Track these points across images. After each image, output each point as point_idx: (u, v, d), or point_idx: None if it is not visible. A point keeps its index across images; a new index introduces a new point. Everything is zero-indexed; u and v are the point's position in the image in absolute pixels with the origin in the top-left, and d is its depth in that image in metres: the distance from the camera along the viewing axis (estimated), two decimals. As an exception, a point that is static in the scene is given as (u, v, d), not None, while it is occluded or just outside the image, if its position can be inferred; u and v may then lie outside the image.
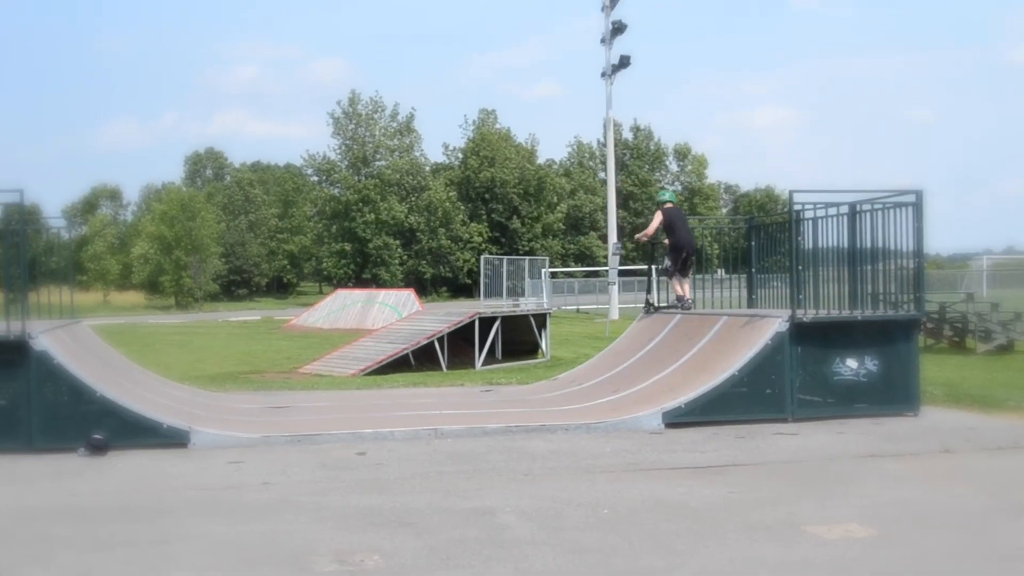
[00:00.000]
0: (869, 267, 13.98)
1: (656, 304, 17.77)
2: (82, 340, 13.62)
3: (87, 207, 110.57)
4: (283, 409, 14.61)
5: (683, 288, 16.97)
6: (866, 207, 13.69)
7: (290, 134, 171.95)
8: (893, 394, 13.35)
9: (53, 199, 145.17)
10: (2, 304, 12.11)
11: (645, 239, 18.43)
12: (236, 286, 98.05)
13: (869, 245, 13.78)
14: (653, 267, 18.79)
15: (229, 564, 6.80)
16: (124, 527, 7.92)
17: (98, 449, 10.99)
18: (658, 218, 17.37)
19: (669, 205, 17.47)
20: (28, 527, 7.97)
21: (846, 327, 13.27)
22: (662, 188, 18.31)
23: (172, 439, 11.38)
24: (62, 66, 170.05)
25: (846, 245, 13.94)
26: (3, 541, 7.55)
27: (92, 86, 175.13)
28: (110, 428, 11.21)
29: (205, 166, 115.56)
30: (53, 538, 7.56)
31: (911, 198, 13.29)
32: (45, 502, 8.88)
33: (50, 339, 11.48)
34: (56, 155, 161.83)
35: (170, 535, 7.61)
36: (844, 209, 13.86)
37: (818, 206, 13.96)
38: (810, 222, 14.03)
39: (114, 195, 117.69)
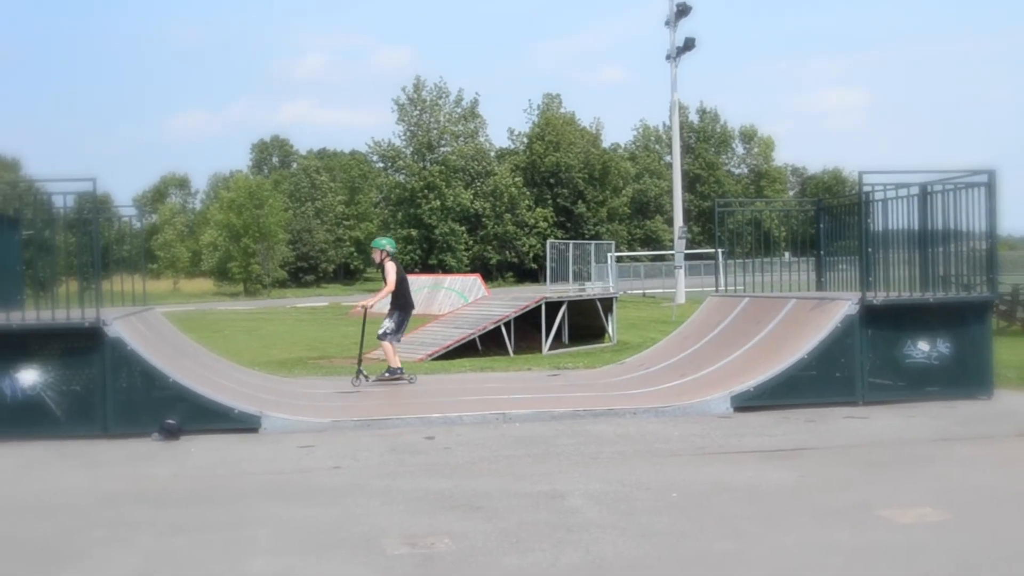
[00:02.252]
0: (940, 249, 13.80)
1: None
2: (154, 326, 13.80)
3: (157, 195, 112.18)
4: (351, 394, 14.71)
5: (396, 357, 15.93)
6: (937, 188, 13.51)
7: (356, 121, 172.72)
8: (966, 377, 13.17)
9: (124, 188, 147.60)
10: (77, 292, 12.31)
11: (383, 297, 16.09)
12: (303, 272, 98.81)
13: (940, 226, 13.60)
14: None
15: (303, 547, 6.87)
16: (200, 511, 8.05)
17: (171, 434, 11.16)
18: (393, 268, 15.78)
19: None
20: (108, 510, 8.11)
21: (917, 309, 13.11)
22: (379, 238, 16.10)
23: (243, 424, 11.53)
24: (133, 56, 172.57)
25: (916, 226, 13.77)
26: (85, 524, 7.69)
27: (162, 76, 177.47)
28: (182, 413, 11.37)
29: (271, 154, 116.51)
30: (132, 521, 7.69)
31: (983, 178, 13.09)
32: (123, 486, 9.03)
33: (123, 326, 11.66)
34: (127, 144, 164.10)
35: (245, 518, 7.72)
36: (914, 190, 13.69)
37: (888, 187, 13.83)
38: (880, 203, 13.89)
39: (183, 183, 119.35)
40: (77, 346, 11.37)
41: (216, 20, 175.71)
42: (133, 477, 9.40)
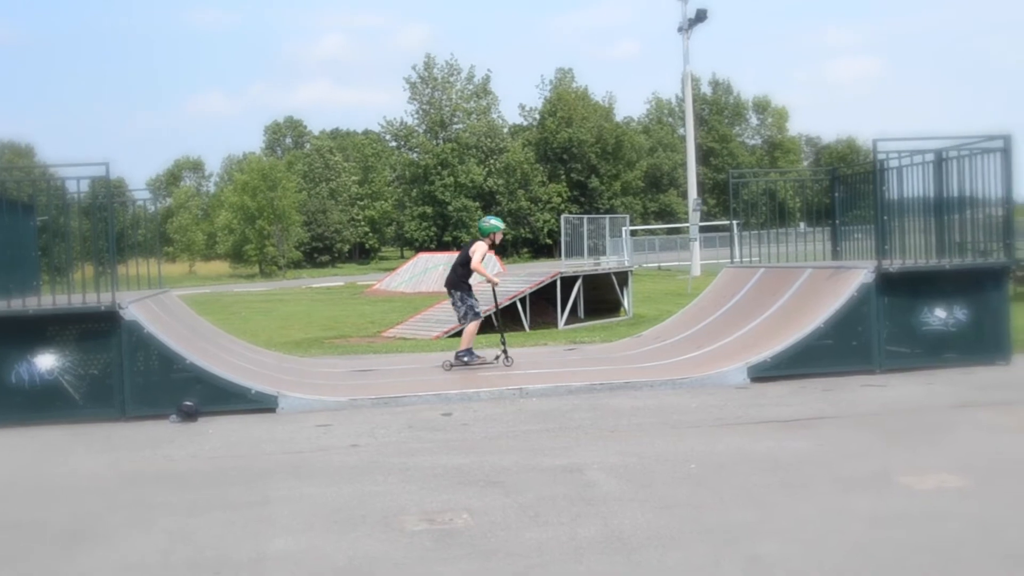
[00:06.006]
0: (956, 215, 13.73)
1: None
2: (170, 309, 13.83)
3: (171, 179, 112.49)
4: (368, 372, 14.73)
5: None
6: (952, 154, 13.44)
7: (370, 101, 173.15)
8: (983, 344, 13.13)
9: (138, 172, 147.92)
10: (92, 276, 12.33)
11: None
12: (318, 253, 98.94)
13: (956, 193, 13.53)
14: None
15: (323, 525, 6.89)
16: (220, 491, 8.07)
17: (189, 416, 11.19)
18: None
19: None
20: (128, 493, 8.15)
21: (934, 277, 13.05)
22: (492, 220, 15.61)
23: (260, 404, 11.55)
24: (148, 40, 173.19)
25: (932, 194, 13.70)
26: (105, 507, 7.73)
27: (177, 60, 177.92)
28: (200, 395, 11.41)
29: (284, 135, 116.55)
30: (153, 503, 7.73)
31: (999, 143, 13.02)
32: (142, 468, 9.05)
33: (139, 309, 11.69)
34: (141, 129, 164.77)
35: (264, 498, 7.73)
36: (929, 157, 13.62)
37: (903, 154, 13.73)
38: (895, 171, 13.80)
39: (197, 166, 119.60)
40: (94, 330, 11.40)
41: (232, 3, 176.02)
42: (152, 459, 9.43)
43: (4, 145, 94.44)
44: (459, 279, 14.77)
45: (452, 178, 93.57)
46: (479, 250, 14.73)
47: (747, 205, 18.81)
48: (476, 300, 14.78)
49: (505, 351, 14.64)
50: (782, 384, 12.08)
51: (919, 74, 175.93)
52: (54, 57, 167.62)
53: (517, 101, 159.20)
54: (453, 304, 14.92)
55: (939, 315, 13.01)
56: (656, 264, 61.20)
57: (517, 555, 6.10)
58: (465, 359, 14.38)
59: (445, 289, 15.11)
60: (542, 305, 29.53)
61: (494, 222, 15.37)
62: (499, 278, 34.72)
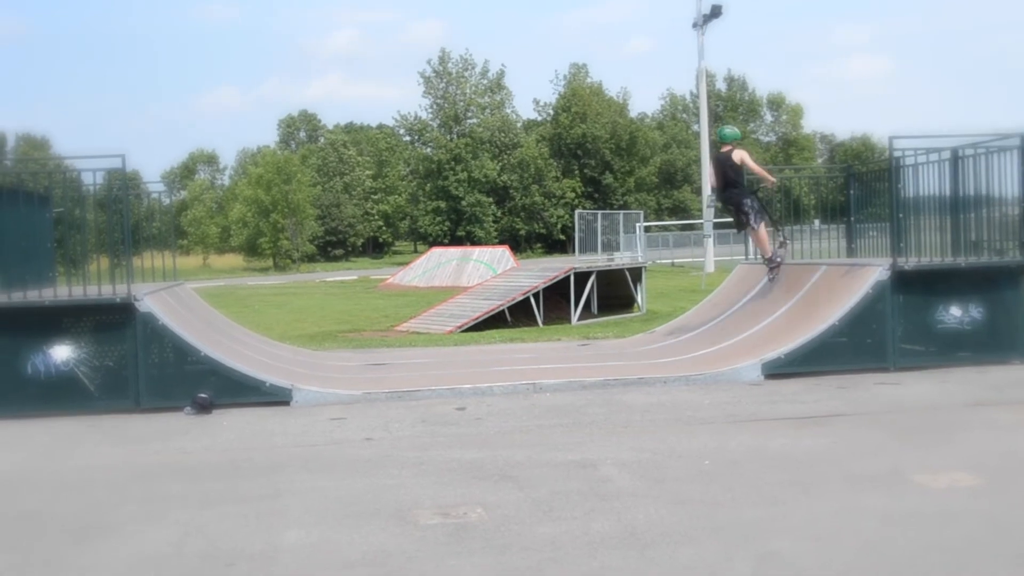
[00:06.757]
0: (972, 213, 13.68)
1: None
2: (185, 302, 13.86)
3: (186, 172, 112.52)
4: (382, 366, 14.75)
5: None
6: (968, 152, 13.39)
7: (384, 95, 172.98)
8: (998, 342, 13.08)
9: (153, 165, 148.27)
10: (107, 268, 12.36)
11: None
12: (332, 247, 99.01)
13: (972, 191, 13.48)
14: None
15: (335, 518, 6.90)
16: (233, 483, 8.09)
17: (203, 408, 11.21)
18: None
19: None
20: (141, 484, 8.17)
21: (949, 275, 13.01)
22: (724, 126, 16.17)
23: (275, 397, 11.57)
24: (163, 35, 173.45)
25: (948, 192, 13.66)
26: (118, 498, 7.75)
27: (192, 55, 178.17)
28: (214, 387, 11.43)
29: (299, 129, 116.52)
30: (166, 495, 7.74)
31: (1015, 142, 12.98)
32: (156, 460, 9.09)
33: (154, 301, 11.70)
34: (156, 123, 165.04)
35: (278, 490, 7.75)
36: (945, 155, 13.57)
37: (918, 152, 13.69)
38: (910, 169, 13.75)
39: (211, 160, 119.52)
40: (109, 321, 11.44)
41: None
42: (166, 451, 9.46)
43: (20, 137, 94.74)
44: (740, 189, 15.25)
45: (466, 173, 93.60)
46: (744, 156, 15.02)
47: (762, 202, 18.73)
48: (757, 199, 15.39)
49: (783, 237, 15.63)
50: (796, 381, 12.05)
51: (928, 72, 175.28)
52: (69, 51, 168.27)
53: (530, 97, 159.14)
54: (743, 212, 15.18)
55: (954, 313, 12.97)
56: (670, 260, 61.11)
57: (531, 549, 6.11)
58: (778, 259, 15.15)
59: (729, 206, 15.77)
60: (556, 300, 29.52)
61: (734, 129, 15.89)
62: (513, 273, 34.79)
